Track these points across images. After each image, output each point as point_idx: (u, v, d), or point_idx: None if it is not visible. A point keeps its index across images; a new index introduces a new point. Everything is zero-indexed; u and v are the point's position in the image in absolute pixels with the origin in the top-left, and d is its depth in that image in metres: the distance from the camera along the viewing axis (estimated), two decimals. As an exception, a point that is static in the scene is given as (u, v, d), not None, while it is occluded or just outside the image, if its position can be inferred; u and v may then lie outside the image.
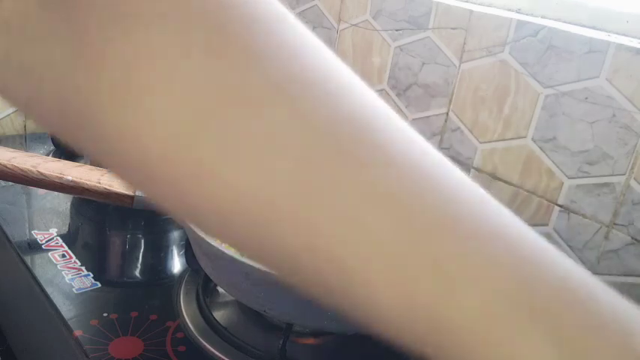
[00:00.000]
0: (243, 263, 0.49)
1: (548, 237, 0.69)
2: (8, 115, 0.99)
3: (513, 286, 0.17)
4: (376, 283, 0.18)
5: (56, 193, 0.64)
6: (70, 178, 0.57)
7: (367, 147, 0.18)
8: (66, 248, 0.68)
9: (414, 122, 0.83)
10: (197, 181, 0.18)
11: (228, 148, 0.17)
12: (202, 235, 0.52)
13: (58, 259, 0.66)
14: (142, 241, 0.77)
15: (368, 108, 0.18)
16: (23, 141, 1.00)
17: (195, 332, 0.57)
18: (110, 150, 0.18)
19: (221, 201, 0.18)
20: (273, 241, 0.18)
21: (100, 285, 0.63)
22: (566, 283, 0.18)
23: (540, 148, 0.69)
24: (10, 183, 0.61)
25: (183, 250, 0.70)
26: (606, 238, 0.64)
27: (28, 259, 0.66)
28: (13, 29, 0.17)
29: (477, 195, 0.19)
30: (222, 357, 0.55)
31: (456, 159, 0.78)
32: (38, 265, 0.66)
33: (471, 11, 0.75)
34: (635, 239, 0.62)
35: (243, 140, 0.17)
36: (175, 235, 0.76)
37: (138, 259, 0.72)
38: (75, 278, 0.63)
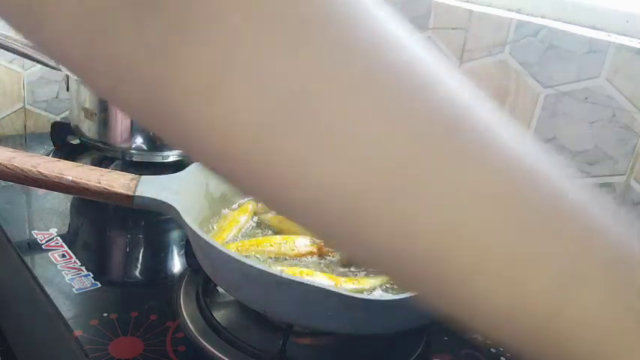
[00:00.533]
0: (243, 263, 0.49)
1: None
2: (8, 115, 0.99)
3: (625, 288, 0.17)
4: (483, 285, 0.17)
5: (56, 193, 0.64)
6: (70, 178, 0.57)
7: (467, 139, 0.17)
8: (66, 248, 0.68)
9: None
10: (283, 173, 0.17)
11: (318, 139, 0.16)
12: (202, 235, 0.52)
13: (58, 259, 0.66)
14: (142, 241, 0.77)
15: (459, 98, 0.18)
16: (23, 141, 1.00)
17: (195, 332, 0.57)
18: (195, 141, 0.18)
19: (310, 193, 0.17)
20: (361, 235, 0.18)
21: (100, 285, 0.63)
22: None
23: (540, 148, 0.69)
24: (10, 183, 0.61)
25: (183, 250, 0.70)
26: (606, 238, 0.64)
27: (28, 259, 0.66)
28: (99, 18, 0.17)
29: (578, 195, 0.18)
30: (222, 357, 0.55)
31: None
32: (38, 265, 0.66)
33: (471, 11, 0.75)
34: (635, 239, 0.62)
35: (333, 130, 0.16)
36: (175, 235, 0.76)
37: (138, 259, 0.72)
38: (75, 278, 0.63)
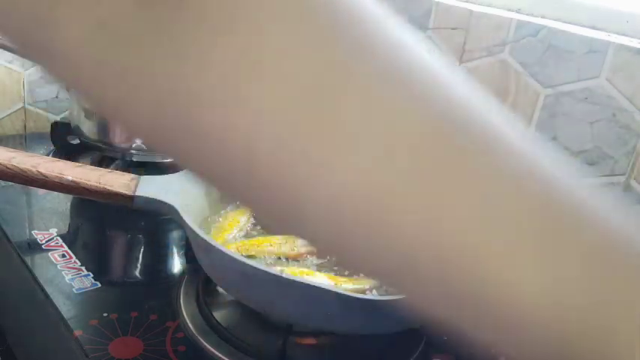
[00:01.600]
0: (243, 263, 0.49)
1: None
2: (8, 115, 0.99)
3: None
4: (519, 285, 0.17)
5: (56, 193, 0.64)
6: (70, 178, 0.57)
7: (481, 138, 0.17)
8: (66, 248, 0.68)
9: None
10: (304, 178, 0.17)
11: (337, 142, 0.16)
12: (202, 235, 0.52)
13: (58, 259, 0.66)
14: (142, 241, 0.77)
15: (473, 99, 0.18)
16: (23, 141, 1.00)
17: (195, 332, 0.57)
18: (210, 153, 0.18)
19: (330, 198, 0.17)
20: (385, 241, 0.17)
21: (100, 285, 0.63)
22: None
23: (540, 148, 0.69)
24: (10, 183, 0.61)
25: (184, 250, 0.70)
26: (606, 238, 0.64)
27: (28, 259, 0.66)
28: (110, 30, 0.17)
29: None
30: (222, 357, 0.55)
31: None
32: (38, 265, 0.66)
33: (471, 11, 0.75)
34: (635, 239, 0.62)
35: (353, 134, 0.16)
36: (175, 235, 0.76)
37: (138, 259, 0.72)
38: (75, 278, 0.63)
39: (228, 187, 0.19)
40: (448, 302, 0.18)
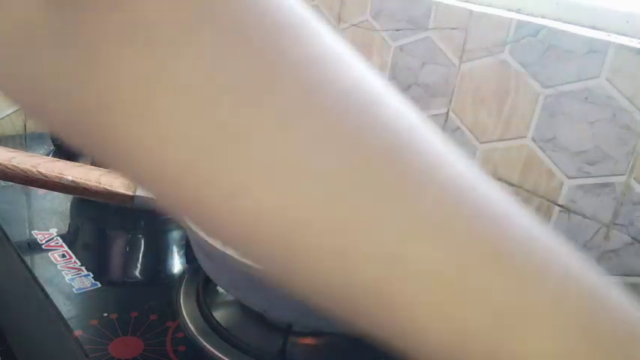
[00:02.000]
0: (243, 263, 0.49)
1: (548, 237, 0.68)
2: (8, 115, 0.99)
3: (577, 320, 0.17)
4: (424, 319, 0.17)
5: (56, 193, 0.64)
6: (70, 178, 0.57)
7: (407, 171, 0.16)
8: (66, 248, 0.68)
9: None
10: (216, 197, 0.16)
11: (249, 164, 0.15)
12: (202, 235, 0.52)
13: (58, 259, 0.66)
14: (142, 241, 0.77)
15: (405, 122, 0.17)
16: (23, 141, 1.00)
17: (195, 332, 0.57)
18: (124, 163, 0.17)
19: (242, 220, 0.16)
20: (300, 266, 0.17)
21: (100, 285, 0.63)
22: (623, 314, 0.17)
23: (540, 148, 0.69)
24: (10, 183, 0.61)
25: (184, 250, 0.70)
26: (606, 238, 0.64)
27: (28, 259, 0.66)
28: (19, 39, 0.16)
29: (523, 223, 0.17)
30: (222, 357, 0.55)
31: (456, 159, 0.78)
32: (38, 265, 0.66)
33: (471, 11, 0.75)
34: (635, 239, 0.62)
35: (267, 156, 0.15)
36: (175, 235, 0.76)
37: (138, 259, 0.72)
38: (75, 278, 0.63)
39: (150, 192, 0.18)
40: (357, 316, 0.19)
